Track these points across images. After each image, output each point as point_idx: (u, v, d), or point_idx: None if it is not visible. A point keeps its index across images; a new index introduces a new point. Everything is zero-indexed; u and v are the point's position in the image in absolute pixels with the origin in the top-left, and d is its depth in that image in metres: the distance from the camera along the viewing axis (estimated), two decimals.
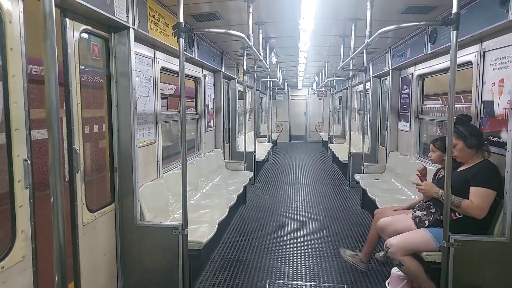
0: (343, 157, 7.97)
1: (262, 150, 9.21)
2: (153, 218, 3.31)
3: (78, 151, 2.53)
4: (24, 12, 1.96)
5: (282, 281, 3.45)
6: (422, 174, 3.14)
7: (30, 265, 2.02)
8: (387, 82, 6.41)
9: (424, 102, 5.23)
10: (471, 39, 3.21)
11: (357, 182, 5.79)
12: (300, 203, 6.20)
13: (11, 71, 1.89)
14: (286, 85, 15.00)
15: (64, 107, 2.46)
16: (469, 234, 2.59)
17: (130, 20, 2.83)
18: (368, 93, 7.72)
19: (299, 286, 3.34)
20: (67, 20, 2.42)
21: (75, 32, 2.50)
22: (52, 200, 1.36)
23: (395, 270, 3.00)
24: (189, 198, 4.32)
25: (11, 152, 1.92)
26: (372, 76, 7.22)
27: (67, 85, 2.45)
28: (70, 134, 2.48)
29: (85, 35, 2.65)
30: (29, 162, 1.99)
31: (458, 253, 2.50)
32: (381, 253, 3.74)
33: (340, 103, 13.42)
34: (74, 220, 2.54)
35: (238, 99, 8.29)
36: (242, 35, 3.34)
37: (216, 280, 3.47)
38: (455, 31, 2.45)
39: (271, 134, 12.29)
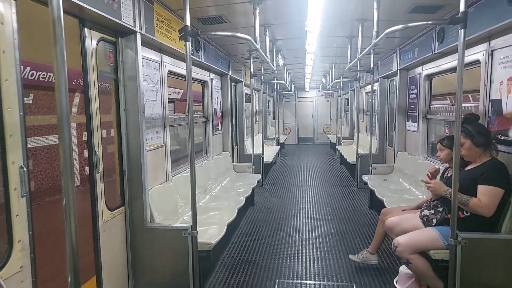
0: (351, 158, 7.95)
1: (270, 153, 9.23)
2: (162, 221, 3.35)
3: (98, 153, 2.67)
4: (17, 14, 1.90)
5: (291, 280, 3.46)
6: (433, 175, 3.13)
7: (29, 276, 1.98)
8: (394, 83, 6.39)
9: (432, 102, 5.20)
10: (479, 37, 3.20)
11: (365, 183, 5.77)
12: (308, 205, 6.19)
13: (3, 75, 1.84)
14: (293, 87, 15.01)
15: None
16: (477, 232, 2.58)
17: (137, 24, 2.88)
18: (375, 94, 7.71)
19: (308, 285, 3.35)
20: (86, 29, 2.55)
21: (93, 40, 2.63)
22: (64, 203, 1.37)
23: (403, 268, 3.00)
24: (198, 201, 4.36)
25: (5, 159, 1.86)
26: (380, 77, 7.20)
27: (86, 91, 2.57)
28: (90, 137, 2.61)
29: (101, 43, 2.77)
30: (25, 169, 1.93)
31: (465, 251, 2.49)
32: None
33: (347, 105, 13.39)
34: (95, 217, 2.68)
35: (245, 102, 8.32)
36: (249, 37, 3.37)
37: (226, 281, 3.49)
38: (462, 30, 2.45)
39: (278, 137, 12.30)
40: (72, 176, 1.41)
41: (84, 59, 2.56)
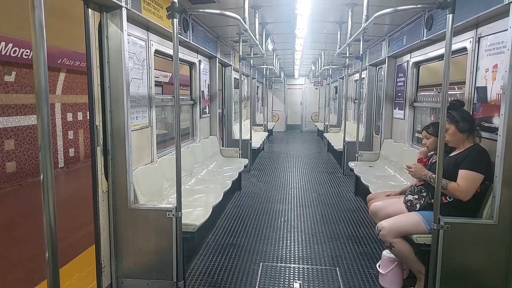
0: (338, 145, 8.00)
1: (257, 139, 9.22)
2: (146, 202, 3.31)
3: (98, 127, 2.80)
4: None
5: (275, 263, 3.48)
6: (423, 155, 3.20)
7: None
8: (382, 72, 6.40)
9: (419, 92, 5.23)
10: (467, 24, 3.20)
11: (351, 170, 5.82)
12: (295, 190, 6.23)
13: None
14: (282, 74, 14.94)
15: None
16: (459, 217, 2.62)
17: None
18: (363, 82, 7.73)
19: (291, 269, 3.38)
20: (89, 10, 2.64)
21: (95, 21, 2.74)
22: (42, 179, 1.34)
23: (386, 253, 3.04)
24: (184, 183, 4.33)
25: None
26: (368, 65, 7.21)
27: (89, 68, 2.72)
28: (92, 113, 2.73)
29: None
30: None
31: (447, 235, 2.54)
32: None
33: (336, 93, 13.42)
34: (96, 187, 2.83)
35: (234, 88, 8.24)
36: (238, 16, 3.30)
37: (210, 263, 3.50)
38: (451, 15, 2.45)
39: (267, 123, 12.28)
40: (51, 158, 1.38)
41: (87, 40, 2.66)
